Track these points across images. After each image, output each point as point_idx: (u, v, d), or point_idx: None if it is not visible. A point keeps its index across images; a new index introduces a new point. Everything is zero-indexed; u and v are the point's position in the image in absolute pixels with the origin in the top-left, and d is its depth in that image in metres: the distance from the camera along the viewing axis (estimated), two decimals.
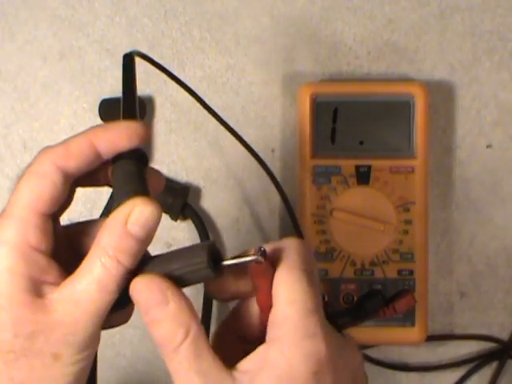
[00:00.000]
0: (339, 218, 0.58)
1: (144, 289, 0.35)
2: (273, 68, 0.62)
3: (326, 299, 0.59)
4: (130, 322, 0.40)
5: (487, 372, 0.64)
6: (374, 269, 0.59)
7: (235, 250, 0.62)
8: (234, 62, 0.62)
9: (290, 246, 0.38)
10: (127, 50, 0.43)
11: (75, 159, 0.36)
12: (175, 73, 0.48)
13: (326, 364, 0.35)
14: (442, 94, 0.62)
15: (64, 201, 0.37)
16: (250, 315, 0.39)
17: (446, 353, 0.64)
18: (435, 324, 0.62)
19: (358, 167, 0.58)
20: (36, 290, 0.35)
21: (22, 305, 0.35)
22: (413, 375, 0.64)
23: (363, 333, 0.59)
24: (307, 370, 0.35)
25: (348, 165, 0.58)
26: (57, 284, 0.36)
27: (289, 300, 0.36)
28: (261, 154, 0.61)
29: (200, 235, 0.61)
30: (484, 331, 0.63)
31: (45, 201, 0.36)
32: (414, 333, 0.59)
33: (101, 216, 0.61)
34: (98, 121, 0.61)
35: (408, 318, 0.59)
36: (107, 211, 0.60)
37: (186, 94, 0.62)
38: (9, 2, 0.62)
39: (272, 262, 0.36)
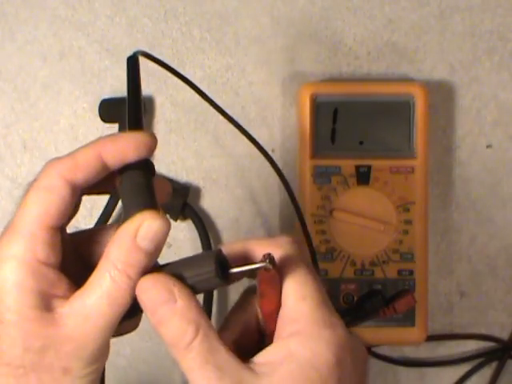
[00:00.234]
0: (339, 218, 0.58)
1: (150, 287, 0.35)
2: (273, 68, 0.62)
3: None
4: None
5: (487, 372, 0.64)
6: (374, 269, 0.59)
7: None
8: (234, 61, 0.62)
9: (287, 243, 0.38)
10: (127, 50, 0.44)
11: (83, 171, 0.36)
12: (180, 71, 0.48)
13: (346, 350, 0.36)
14: (442, 94, 0.62)
15: (72, 211, 0.37)
16: (248, 322, 0.39)
17: (445, 353, 0.64)
18: (435, 324, 0.62)
19: (358, 167, 0.58)
20: (45, 304, 0.35)
21: (31, 320, 0.34)
22: (413, 375, 0.64)
23: (363, 333, 0.59)
24: (331, 357, 0.35)
25: (348, 165, 0.58)
26: (66, 297, 0.35)
27: (301, 295, 0.36)
28: (261, 155, 0.61)
29: (200, 235, 0.61)
30: (484, 331, 0.63)
31: (53, 215, 0.35)
32: (414, 333, 0.59)
33: (100, 216, 0.61)
34: (98, 121, 0.61)
35: (408, 318, 0.59)
36: (107, 211, 0.61)
37: (187, 94, 0.62)
38: (9, 1, 0.62)
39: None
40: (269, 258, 0.35)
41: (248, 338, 0.39)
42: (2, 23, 0.62)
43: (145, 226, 0.35)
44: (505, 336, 0.63)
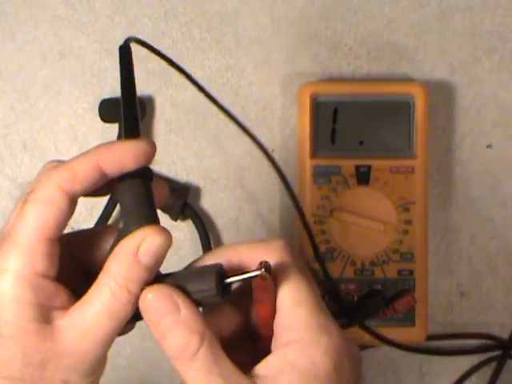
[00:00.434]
0: (339, 218, 0.58)
1: (154, 298, 0.35)
2: (273, 68, 0.62)
3: (325, 299, 0.59)
4: None
5: (487, 372, 0.64)
6: (373, 269, 0.59)
7: None
8: (234, 61, 0.62)
9: (279, 248, 0.38)
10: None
11: (81, 182, 0.36)
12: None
13: (343, 354, 0.36)
14: (441, 94, 0.62)
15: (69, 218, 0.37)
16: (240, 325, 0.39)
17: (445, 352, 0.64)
18: (435, 324, 0.62)
19: (357, 167, 0.58)
20: (44, 316, 0.35)
21: (30, 334, 0.34)
22: (413, 375, 0.64)
23: (363, 333, 0.59)
24: (330, 363, 0.35)
25: (348, 165, 0.58)
26: (65, 308, 0.35)
27: (296, 301, 0.36)
28: (261, 155, 0.61)
29: (200, 235, 0.61)
30: (484, 331, 0.63)
31: (51, 227, 0.35)
32: (413, 333, 0.59)
33: (100, 216, 0.61)
34: (98, 121, 0.61)
35: (408, 318, 0.59)
36: (107, 212, 0.61)
37: (187, 94, 0.62)
38: (9, 1, 0.62)
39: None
40: (265, 266, 0.35)
41: (239, 342, 0.39)
42: (2, 23, 0.62)
43: (147, 241, 0.35)
44: (505, 336, 0.63)
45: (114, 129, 0.60)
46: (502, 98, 0.62)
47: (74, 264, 0.39)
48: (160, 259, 0.36)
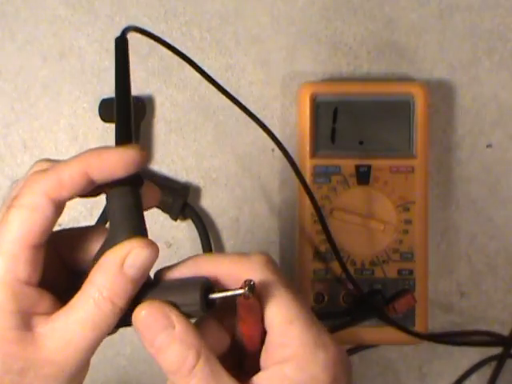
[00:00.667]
0: (339, 218, 0.58)
1: (147, 315, 0.35)
2: (273, 68, 0.62)
3: (325, 299, 0.59)
4: None
5: (487, 371, 0.64)
6: (373, 268, 0.59)
7: (235, 249, 0.62)
8: (233, 61, 0.62)
9: (262, 264, 0.37)
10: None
11: (68, 189, 0.35)
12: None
13: (338, 366, 0.36)
14: (441, 94, 0.62)
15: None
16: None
17: (445, 352, 0.64)
18: (435, 324, 0.62)
19: (357, 167, 0.58)
20: (25, 323, 0.34)
21: (10, 342, 0.34)
22: (413, 375, 0.64)
23: (363, 333, 0.59)
24: (329, 377, 0.35)
25: (348, 164, 0.58)
26: (49, 314, 0.35)
27: (287, 320, 0.36)
28: (261, 154, 0.62)
29: (200, 235, 0.61)
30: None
31: (36, 234, 0.35)
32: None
33: (100, 216, 0.61)
34: (98, 120, 0.61)
35: (408, 318, 0.59)
36: (105, 215, 0.60)
37: (187, 94, 0.62)
38: (9, 1, 0.62)
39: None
40: (249, 285, 0.34)
41: (225, 357, 0.38)
42: (1, 23, 0.62)
43: (133, 254, 0.35)
44: (505, 334, 0.63)
45: (113, 129, 0.60)
46: (502, 97, 0.62)
47: (60, 263, 0.38)
48: (146, 272, 0.35)
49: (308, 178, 0.58)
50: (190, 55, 0.62)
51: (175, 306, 0.35)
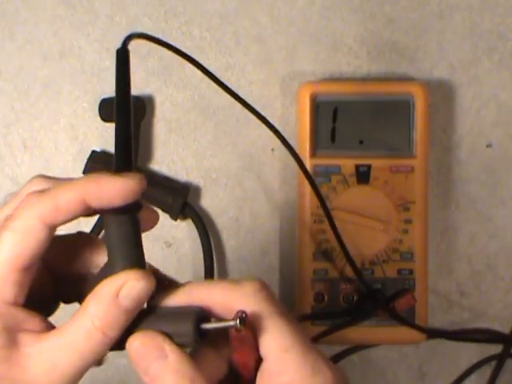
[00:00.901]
0: (339, 218, 0.58)
1: (140, 346, 0.35)
2: (273, 68, 0.62)
3: (325, 299, 0.59)
4: None
5: (487, 371, 0.64)
6: (373, 268, 0.59)
7: (235, 249, 0.62)
8: (233, 61, 0.62)
9: (255, 292, 0.36)
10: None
11: (63, 214, 0.35)
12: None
13: None
14: (441, 94, 0.62)
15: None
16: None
17: (445, 352, 0.64)
18: (435, 323, 0.62)
19: (357, 166, 0.58)
20: (12, 340, 0.34)
21: None
22: (412, 375, 0.64)
23: (363, 333, 0.59)
24: None
25: (348, 164, 0.58)
26: (38, 331, 0.35)
27: (282, 348, 0.35)
28: (261, 154, 0.62)
29: (200, 235, 0.61)
30: None
31: (26, 257, 0.34)
32: (413, 333, 0.59)
33: (99, 218, 0.60)
34: (98, 120, 0.61)
35: (408, 318, 0.59)
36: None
37: (187, 94, 0.62)
38: (9, 1, 0.62)
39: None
40: (240, 317, 0.34)
41: (222, 381, 0.38)
42: (2, 23, 0.62)
43: (128, 285, 0.35)
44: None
45: (113, 128, 0.60)
46: (501, 97, 0.62)
47: (50, 273, 0.38)
48: (140, 304, 0.35)
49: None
50: (190, 55, 0.62)
51: (169, 335, 0.35)
